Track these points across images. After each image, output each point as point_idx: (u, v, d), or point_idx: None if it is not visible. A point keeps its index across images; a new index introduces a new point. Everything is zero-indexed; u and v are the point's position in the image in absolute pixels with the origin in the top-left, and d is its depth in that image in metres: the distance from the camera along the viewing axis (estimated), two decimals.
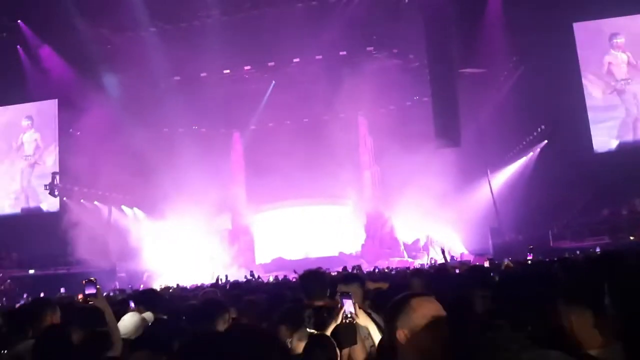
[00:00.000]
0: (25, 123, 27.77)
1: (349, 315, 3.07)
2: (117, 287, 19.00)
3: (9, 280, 22.94)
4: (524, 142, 24.85)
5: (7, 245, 24.82)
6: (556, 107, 22.28)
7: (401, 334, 2.21)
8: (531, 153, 24.66)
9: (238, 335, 2.25)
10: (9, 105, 27.28)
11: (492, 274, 5.53)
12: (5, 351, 3.41)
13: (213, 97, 26.63)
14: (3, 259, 24.67)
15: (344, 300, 3.11)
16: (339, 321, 3.08)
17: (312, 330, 3.29)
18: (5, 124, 27.88)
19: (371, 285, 6.32)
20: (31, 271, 24.10)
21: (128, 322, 4.14)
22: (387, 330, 2.35)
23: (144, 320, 4.38)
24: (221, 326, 3.51)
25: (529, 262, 8.57)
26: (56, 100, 26.65)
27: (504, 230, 23.34)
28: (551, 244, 20.54)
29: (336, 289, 4.08)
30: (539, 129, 24.01)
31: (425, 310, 2.21)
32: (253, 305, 4.66)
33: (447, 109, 23.02)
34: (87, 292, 3.89)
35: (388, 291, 4.85)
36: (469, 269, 6.24)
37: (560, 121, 22.68)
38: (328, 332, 3.13)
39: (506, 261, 9.81)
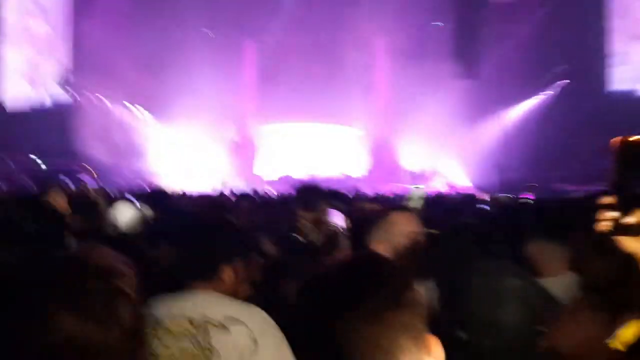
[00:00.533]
0: (35, 11, 27.10)
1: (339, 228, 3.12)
2: (123, 184, 19.22)
3: (25, 176, 23.32)
4: (543, 80, 24.27)
5: (16, 138, 25.01)
6: (578, 48, 21.60)
7: (378, 246, 2.23)
8: (549, 92, 24.15)
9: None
10: None
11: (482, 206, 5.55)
12: None
13: (227, 2, 25.79)
14: (18, 155, 24.94)
15: (333, 213, 3.17)
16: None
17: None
18: (16, 11, 27.23)
19: (367, 206, 6.37)
20: (43, 166, 24.43)
21: (124, 213, 4.11)
22: (362, 240, 2.38)
23: (142, 214, 4.40)
24: None
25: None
26: None
27: (511, 167, 23.30)
28: (553, 186, 20.56)
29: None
30: (559, 69, 23.38)
31: (404, 225, 2.23)
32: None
33: (469, 38, 22.39)
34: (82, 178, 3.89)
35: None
36: (462, 196, 6.24)
37: (580, 63, 22.08)
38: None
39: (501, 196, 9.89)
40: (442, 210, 5.68)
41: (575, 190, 19.25)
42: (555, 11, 21.88)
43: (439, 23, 26.40)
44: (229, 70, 26.45)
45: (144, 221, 4.08)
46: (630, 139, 1.82)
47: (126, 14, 23.34)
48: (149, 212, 4.37)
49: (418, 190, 3.28)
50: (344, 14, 24.76)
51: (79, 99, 25.44)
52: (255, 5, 26.25)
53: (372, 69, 27.96)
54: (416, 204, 3.36)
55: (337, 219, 3.20)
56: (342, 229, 3.24)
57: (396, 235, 2.28)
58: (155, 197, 5.27)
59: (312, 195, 4.07)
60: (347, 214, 4.28)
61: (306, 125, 29.80)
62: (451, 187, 24.69)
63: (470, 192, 21.90)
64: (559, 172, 21.41)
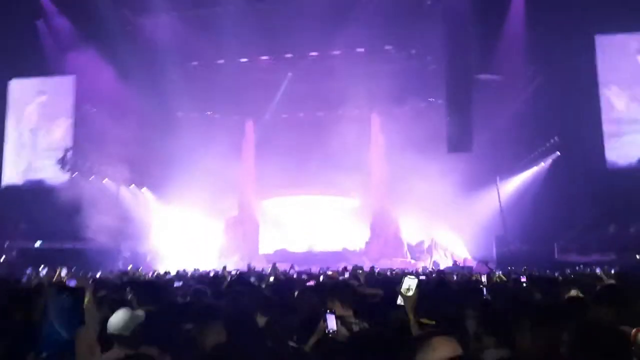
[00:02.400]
0: (39, 96, 27.90)
1: (331, 332, 3.13)
2: (121, 267, 19.17)
3: (14, 252, 23.23)
4: (536, 152, 24.72)
5: (15, 216, 25.08)
6: (571, 119, 22.09)
7: None
8: (542, 164, 24.54)
9: None
10: (24, 78, 27.45)
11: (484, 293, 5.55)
12: None
13: (228, 85, 26.71)
14: (10, 229, 24.94)
15: (327, 317, 3.18)
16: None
17: None
18: (20, 96, 28.02)
19: (366, 291, 6.37)
20: (37, 244, 24.38)
21: (119, 318, 4.19)
22: None
23: (136, 316, 4.43)
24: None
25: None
26: (74, 76, 26.79)
27: (509, 239, 23.28)
28: (556, 257, 20.47)
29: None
30: (552, 140, 23.86)
31: (444, 351, 2.24)
32: None
33: (461, 113, 22.95)
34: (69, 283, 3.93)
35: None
36: (465, 282, 6.24)
37: (575, 134, 22.49)
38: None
39: (498, 273, 9.84)
40: (443, 298, 5.66)
41: (576, 261, 19.21)
42: (547, 85, 22.59)
43: (432, 99, 27.25)
44: (229, 149, 27.04)
45: (135, 324, 4.11)
46: None
47: (127, 97, 24.05)
48: (140, 313, 4.41)
49: (411, 280, 3.28)
50: (341, 94, 25.57)
51: (79, 179, 25.75)
52: (255, 87, 27.16)
53: (368, 143, 28.57)
54: (410, 293, 3.36)
55: (331, 323, 3.21)
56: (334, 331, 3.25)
57: None
58: (149, 290, 5.27)
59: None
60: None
61: (305, 198, 30.06)
62: (453, 260, 24.60)
63: (470, 265, 21.87)
64: (558, 243, 21.37)
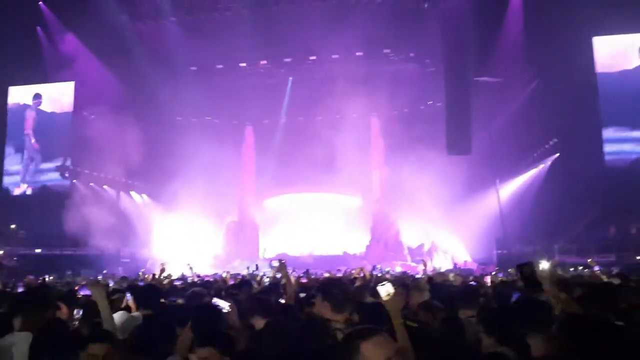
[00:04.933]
0: (39, 103, 27.95)
1: None
2: (121, 273, 19.14)
3: (15, 258, 23.20)
4: (535, 154, 24.73)
5: (15, 223, 25.09)
6: (570, 121, 22.10)
7: None
8: (542, 165, 24.54)
9: None
10: (24, 85, 27.50)
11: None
12: None
13: (228, 89, 26.78)
14: (10, 236, 24.95)
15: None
16: None
17: None
18: (19, 103, 28.07)
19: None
20: (37, 250, 24.38)
21: (117, 320, 4.19)
22: None
23: (133, 319, 4.44)
24: None
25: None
26: (73, 82, 26.85)
27: (509, 241, 23.25)
28: (556, 258, 20.44)
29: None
30: (550, 142, 23.87)
31: (375, 354, 2.16)
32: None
33: (460, 115, 22.96)
34: (82, 293, 3.93)
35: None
36: (464, 287, 6.22)
37: (573, 135, 22.50)
38: None
39: (500, 276, 9.82)
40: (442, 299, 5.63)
41: (575, 262, 19.19)
42: (545, 87, 22.59)
43: (431, 102, 27.27)
44: (229, 153, 27.02)
45: (132, 327, 4.12)
46: None
47: (126, 102, 24.12)
48: (137, 316, 4.42)
49: (386, 286, 3.25)
50: (340, 97, 25.54)
51: (79, 186, 25.78)
52: (254, 91, 27.16)
53: (368, 146, 28.56)
54: (389, 297, 3.33)
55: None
56: None
57: None
58: (146, 295, 5.26)
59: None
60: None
61: (305, 195, 29.96)
62: (454, 262, 24.54)
63: (471, 268, 21.84)
64: (557, 245, 21.35)
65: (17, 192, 27.33)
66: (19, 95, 28.05)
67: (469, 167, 23.40)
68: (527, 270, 2.77)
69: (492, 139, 23.80)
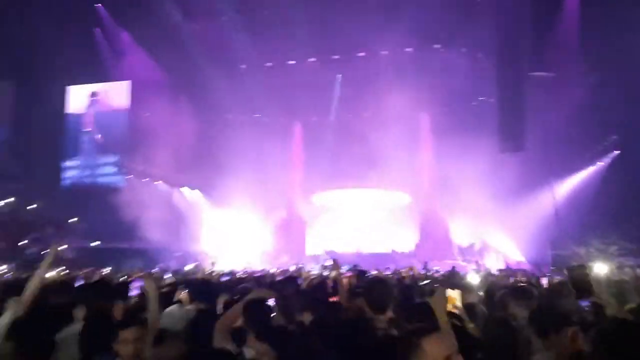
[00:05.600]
0: (96, 101, 28.99)
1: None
2: (174, 266, 19.66)
3: (73, 251, 24.20)
4: (593, 152, 23.81)
5: (73, 216, 26.14)
6: (630, 116, 21.16)
7: None
8: (600, 163, 23.62)
9: None
10: (83, 84, 28.57)
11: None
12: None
13: (276, 87, 27.02)
14: (71, 229, 26.01)
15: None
16: None
17: None
18: (79, 102, 29.18)
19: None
20: (95, 243, 25.34)
21: (173, 313, 4.34)
22: None
23: (187, 312, 4.57)
24: None
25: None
26: (129, 81, 27.73)
27: (564, 241, 22.49)
28: (615, 260, 19.67)
29: None
30: (610, 139, 22.93)
31: (436, 351, 2.14)
32: None
33: (513, 112, 22.42)
34: (135, 285, 4.07)
35: None
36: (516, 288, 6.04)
37: (634, 132, 21.53)
38: None
39: (556, 278, 9.51)
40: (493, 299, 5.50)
41: (633, 264, 18.41)
42: (603, 82, 21.73)
43: (483, 98, 26.69)
44: (278, 151, 27.31)
45: (186, 320, 4.24)
46: None
47: (178, 100, 24.72)
48: (191, 309, 4.54)
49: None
50: (389, 94, 25.32)
51: (134, 182, 26.61)
52: (302, 89, 27.30)
53: (417, 144, 28.22)
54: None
55: None
56: None
57: None
58: (203, 289, 5.39)
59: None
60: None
61: (353, 191, 29.86)
62: (506, 262, 23.97)
63: (524, 268, 21.27)
64: (615, 246, 20.53)
65: (75, 186, 28.42)
66: (77, 94, 29.13)
67: (521, 164, 22.79)
68: (578, 274, 2.62)
69: (547, 136, 23.07)
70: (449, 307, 3.42)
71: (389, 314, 3.92)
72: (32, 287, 3.91)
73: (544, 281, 8.06)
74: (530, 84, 22.51)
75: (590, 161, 24.07)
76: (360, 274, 4.60)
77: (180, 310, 4.65)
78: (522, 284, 6.21)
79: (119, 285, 5.65)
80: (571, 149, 23.57)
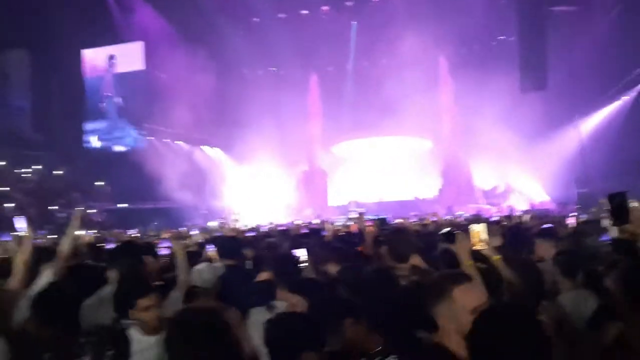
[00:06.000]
0: (112, 64, 28.95)
1: None
2: (201, 224, 19.96)
3: (103, 213, 24.82)
4: (618, 86, 23.14)
5: (98, 180, 26.64)
6: None
7: (441, 321, 2.20)
8: (626, 97, 23.00)
9: None
10: (96, 47, 28.48)
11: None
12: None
13: (290, 39, 26.58)
14: (98, 192, 26.57)
15: None
16: None
17: None
18: (92, 66, 29.17)
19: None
20: (121, 205, 25.88)
21: (203, 271, 4.45)
22: (427, 308, 2.31)
23: (215, 269, 4.68)
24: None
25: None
26: (142, 42, 27.54)
27: (591, 179, 22.21)
28: None
29: None
30: (635, 72, 22.23)
31: (467, 301, 2.14)
32: None
33: (534, 49, 21.82)
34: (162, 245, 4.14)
35: None
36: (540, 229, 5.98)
37: None
38: None
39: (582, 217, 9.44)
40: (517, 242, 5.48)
41: None
42: (627, 13, 20.89)
43: (503, 37, 25.94)
44: (296, 103, 27.12)
45: (216, 277, 4.35)
46: None
47: (193, 58, 24.52)
48: (220, 266, 4.64)
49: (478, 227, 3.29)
50: (405, 39, 24.71)
51: (155, 143, 26.86)
52: (317, 39, 26.81)
53: (436, 86, 27.66)
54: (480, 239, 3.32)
55: None
56: None
57: (461, 314, 2.10)
58: (229, 246, 5.47)
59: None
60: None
61: (374, 139, 29.68)
62: (530, 203, 23.81)
63: (549, 207, 21.16)
64: None
65: (98, 151, 28.79)
66: (92, 57, 29.08)
67: (544, 103, 22.31)
68: (618, 200, 2.57)
69: (570, 73, 22.45)
70: (475, 242, 3.41)
71: (413, 261, 3.97)
72: (63, 250, 4.01)
73: (571, 220, 7.95)
74: (552, 20, 21.76)
75: (615, 97, 23.44)
76: (381, 222, 4.62)
77: (209, 268, 4.75)
78: (547, 225, 6.18)
79: (148, 246, 5.75)
80: (595, 85, 22.94)
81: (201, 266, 4.72)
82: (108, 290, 3.76)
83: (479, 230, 3.42)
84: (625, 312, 2.35)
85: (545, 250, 4.34)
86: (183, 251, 4.28)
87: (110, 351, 2.29)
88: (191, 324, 2.28)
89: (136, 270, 4.00)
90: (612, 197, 2.62)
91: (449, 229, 3.59)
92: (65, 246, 4.03)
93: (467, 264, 3.05)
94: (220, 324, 2.32)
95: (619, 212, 2.54)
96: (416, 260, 4.01)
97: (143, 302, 3.21)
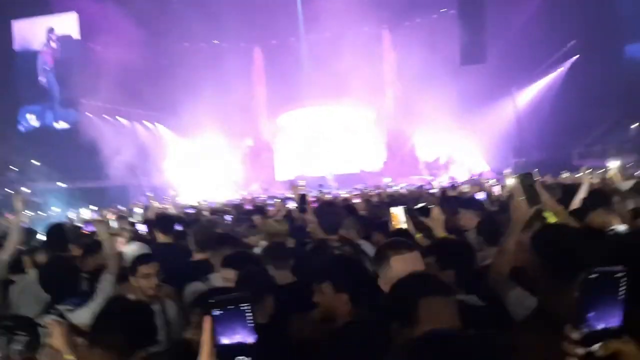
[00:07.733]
0: (44, 36, 27.54)
1: None
2: (145, 202, 19.52)
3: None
4: (554, 58, 23.96)
5: (35, 159, 25.53)
6: (589, 19, 21.20)
7: (382, 283, 2.33)
8: (560, 69, 23.85)
9: None
10: (27, 18, 27.01)
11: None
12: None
13: (233, 12, 25.99)
14: (33, 171, 25.48)
15: None
16: None
17: None
18: (25, 38, 27.70)
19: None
20: (60, 184, 24.93)
21: (133, 251, 4.37)
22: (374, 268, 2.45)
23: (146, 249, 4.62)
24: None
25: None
26: (76, 14, 26.31)
27: (527, 148, 23.07)
28: (574, 163, 20.31)
29: None
30: (569, 44, 23.04)
31: (401, 268, 2.24)
32: None
33: (474, 23, 22.27)
34: (87, 228, 4.06)
35: None
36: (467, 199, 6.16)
37: (593, 35, 21.64)
38: None
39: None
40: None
41: (595, 165, 19.03)
42: None
43: (444, 9, 26.24)
44: (239, 77, 26.71)
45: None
46: None
47: (132, 33, 23.63)
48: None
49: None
50: (348, 12, 24.62)
51: (93, 119, 25.90)
52: (259, 11, 26.33)
53: (380, 60, 27.84)
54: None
55: None
56: None
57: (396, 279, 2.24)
58: (164, 223, 5.41)
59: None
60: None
61: (319, 108, 29.64)
62: (470, 174, 24.54)
63: (490, 177, 21.85)
64: (575, 150, 21.15)
65: (34, 128, 27.58)
66: (24, 28, 27.55)
67: (484, 76, 22.87)
68: (526, 181, 2.69)
69: (509, 46, 23.03)
70: (396, 224, 3.58)
71: (340, 233, 4.13)
72: (13, 236, 3.86)
73: (496, 189, 8.32)
74: None
75: (549, 69, 24.28)
76: (301, 197, 4.76)
77: (140, 248, 4.68)
78: (470, 195, 6.41)
79: (73, 230, 5.61)
80: (532, 58, 23.69)
81: (132, 246, 4.65)
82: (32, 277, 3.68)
83: (397, 214, 3.65)
84: (541, 279, 2.45)
85: (468, 219, 4.50)
86: (107, 236, 4.17)
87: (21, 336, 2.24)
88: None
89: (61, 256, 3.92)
90: (521, 177, 2.73)
91: (424, 204, 3.82)
92: (15, 233, 3.88)
93: (441, 236, 3.35)
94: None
95: (530, 193, 2.64)
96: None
97: (143, 269, 3.23)
